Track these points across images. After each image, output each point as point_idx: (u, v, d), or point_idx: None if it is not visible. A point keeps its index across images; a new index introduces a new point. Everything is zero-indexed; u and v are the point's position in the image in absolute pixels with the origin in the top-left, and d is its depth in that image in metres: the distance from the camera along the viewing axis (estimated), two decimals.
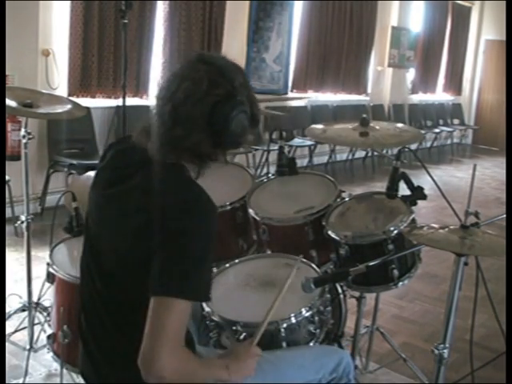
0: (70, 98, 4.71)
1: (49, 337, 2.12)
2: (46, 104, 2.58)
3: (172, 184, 1.36)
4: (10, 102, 2.47)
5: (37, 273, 3.06)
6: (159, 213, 1.30)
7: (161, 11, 5.60)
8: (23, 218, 2.66)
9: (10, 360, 2.59)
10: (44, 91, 3.17)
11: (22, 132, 2.56)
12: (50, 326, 2.13)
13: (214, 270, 2.08)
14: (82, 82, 5.04)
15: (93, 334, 1.47)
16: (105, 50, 5.12)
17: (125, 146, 1.50)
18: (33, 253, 3.79)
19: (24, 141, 2.57)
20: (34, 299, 2.72)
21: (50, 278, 2.07)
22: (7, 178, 4.06)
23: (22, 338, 2.71)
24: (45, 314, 2.69)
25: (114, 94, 5.12)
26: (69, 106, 2.61)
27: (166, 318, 1.24)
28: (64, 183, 4.82)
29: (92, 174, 1.56)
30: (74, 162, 4.65)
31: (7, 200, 3.98)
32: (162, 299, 1.26)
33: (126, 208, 1.39)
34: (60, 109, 2.58)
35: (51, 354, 2.11)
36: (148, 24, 5.44)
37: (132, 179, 1.40)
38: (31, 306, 2.68)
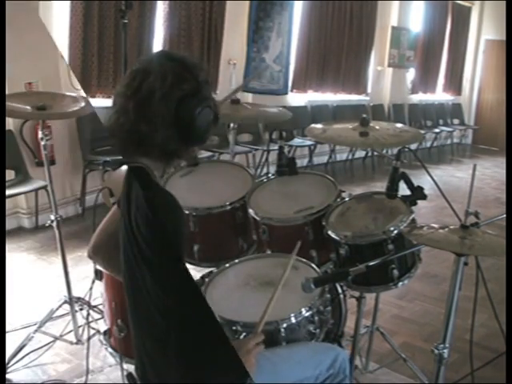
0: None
1: (105, 333, 2.16)
2: (59, 105, 2.65)
3: (136, 192, 1.37)
4: (24, 107, 2.55)
5: (85, 273, 3.11)
6: (130, 223, 1.35)
7: (161, 11, 5.60)
8: (52, 217, 2.74)
9: (69, 360, 2.69)
10: (55, 92, 3.21)
11: (40, 134, 2.60)
12: (104, 321, 2.17)
13: (214, 270, 2.09)
14: (82, 82, 5.05)
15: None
16: (105, 50, 5.13)
17: None
18: (79, 253, 3.89)
19: (43, 143, 2.63)
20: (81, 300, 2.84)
21: (98, 275, 2.11)
22: (44, 183, 4.07)
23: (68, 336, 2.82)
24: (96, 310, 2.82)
25: (113, 94, 5.11)
26: (82, 104, 2.67)
27: None
28: (101, 181, 4.89)
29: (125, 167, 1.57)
30: (108, 158, 4.70)
31: (48, 205, 3.98)
32: None
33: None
34: (73, 107, 2.65)
35: (109, 349, 2.14)
36: (148, 24, 5.44)
37: None
38: (72, 301, 2.80)
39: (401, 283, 2.08)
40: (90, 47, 5.03)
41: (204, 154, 5.50)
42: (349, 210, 2.24)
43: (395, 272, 2.05)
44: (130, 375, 1.77)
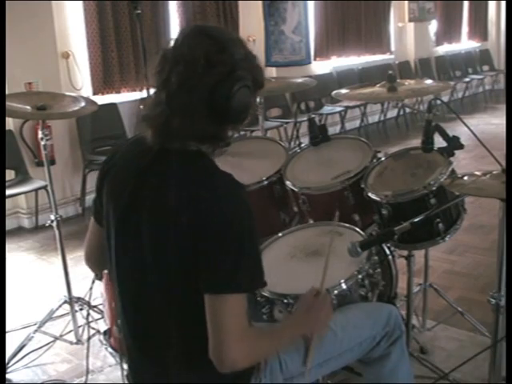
0: (96, 96, 4.85)
1: (105, 333, 2.15)
2: (59, 105, 2.65)
3: (192, 176, 1.31)
4: (24, 107, 2.55)
5: (85, 273, 3.10)
6: (187, 211, 1.26)
7: None
8: (52, 217, 2.74)
9: (69, 360, 2.69)
10: (57, 92, 3.26)
11: (40, 134, 2.60)
12: (104, 321, 2.17)
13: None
14: (105, 79, 5.09)
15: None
16: (123, 45, 5.17)
17: (134, 145, 1.44)
18: (79, 253, 3.90)
19: (43, 143, 2.63)
20: (81, 300, 2.83)
21: (99, 275, 2.08)
22: (44, 183, 4.07)
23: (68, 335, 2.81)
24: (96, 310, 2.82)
25: (138, 87, 5.12)
26: (82, 104, 2.69)
27: (224, 313, 1.24)
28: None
29: None
30: None
31: (48, 205, 3.98)
32: (217, 297, 1.25)
33: (156, 212, 1.32)
34: (73, 107, 2.66)
35: (109, 349, 2.08)
36: (162, 12, 5.46)
37: (152, 179, 1.34)
38: (72, 301, 2.79)
39: (448, 236, 2.07)
40: (108, 43, 5.06)
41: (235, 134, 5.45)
42: (386, 170, 2.23)
43: (441, 226, 2.03)
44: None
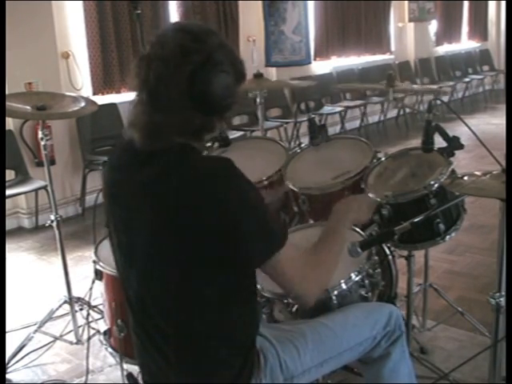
0: (96, 96, 4.88)
1: (105, 333, 2.15)
2: (58, 105, 2.65)
3: (188, 167, 1.30)
4: (24, 107, 2.55)
5: (86, 272, 3.10)
6: (190, 203, 1.27)
7: None
8: (52, 217, 2.73)
9: (69, 360, 2.69)
10: (56, 92, 3.25)
11: (40, 134, 2.60)
12: (104, 321, 2.18)
13: None
14: (105, 79, 5.11)
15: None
16: (123, 45, 5.19)
17: (123, 147, 1.46)
18: (79, 253, 3.89)
19: (43, 143, 2.64)
20: (81, 300, 2.83)
21: (99, 274, 2.10)
22: (44, 183, 4.07)
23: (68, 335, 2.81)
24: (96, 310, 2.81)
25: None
26: (82, 104, 2.69)
27: (281, 268, 1.36)
28: (101, 181, 4.84)
29: None
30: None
31: (48, 205, 3.98)
32: (270, 261, 1.33)
33: (156, 208, 1.32)
34: (73, 107, 2.66)
35: (109, 349, 2.13)
36: (162, 12, 5.47)
37: (147, 175, 1.33)
38: (72, 301, 2.79)
39: (448, 236, 2.07)
40: (108, 43, 5.08)
41: (235, 134, 5.46)
42: (387, 170, 2.23)
43: (441, 226, 2.04)
44: (130, 375, 1.77)
